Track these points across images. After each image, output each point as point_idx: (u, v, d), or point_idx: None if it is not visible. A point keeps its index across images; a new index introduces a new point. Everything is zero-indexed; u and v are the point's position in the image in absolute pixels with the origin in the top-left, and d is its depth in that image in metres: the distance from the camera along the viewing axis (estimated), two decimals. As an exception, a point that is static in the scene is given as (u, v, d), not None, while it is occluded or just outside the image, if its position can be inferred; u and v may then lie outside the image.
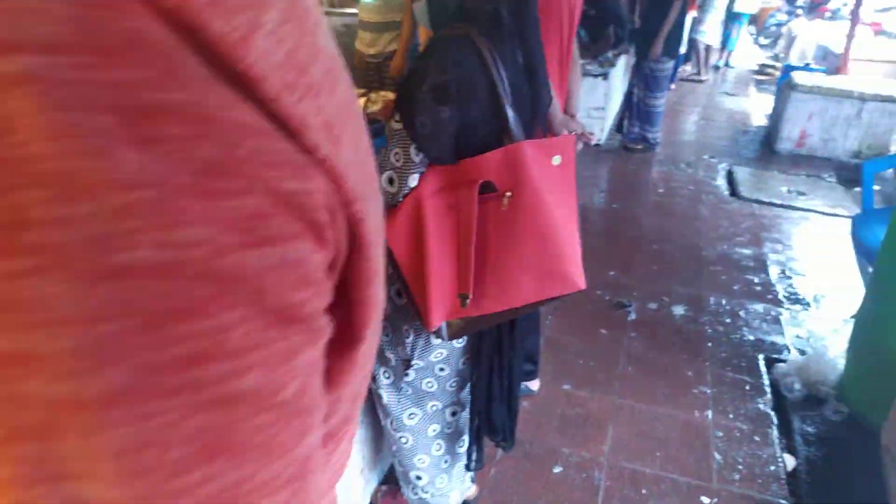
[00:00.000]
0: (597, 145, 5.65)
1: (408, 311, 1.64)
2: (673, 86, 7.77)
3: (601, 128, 5.68)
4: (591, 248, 3.73)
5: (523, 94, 1.48)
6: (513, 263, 1.43)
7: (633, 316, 3.04)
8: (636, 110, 5.64)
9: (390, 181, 1.47)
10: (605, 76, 5.50)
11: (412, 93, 1.37)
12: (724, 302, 3.19)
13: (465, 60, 1.38)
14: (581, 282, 1.45)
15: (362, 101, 3.45)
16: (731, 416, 2.39)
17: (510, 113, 1.40)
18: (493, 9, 1.42)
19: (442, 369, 1.74)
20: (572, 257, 1.44)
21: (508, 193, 1.39)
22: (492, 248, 1.44)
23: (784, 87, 5.97)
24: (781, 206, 4.47)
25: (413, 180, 1.44)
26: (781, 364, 2.63)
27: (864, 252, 2.90)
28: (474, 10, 1.43)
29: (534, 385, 2.52)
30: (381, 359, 1.78)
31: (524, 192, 1.38)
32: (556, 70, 2.16)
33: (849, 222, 3.10)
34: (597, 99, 5.56)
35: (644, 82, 5.49)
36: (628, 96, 5.73)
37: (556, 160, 1.44)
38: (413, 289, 1.51)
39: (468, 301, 1.44)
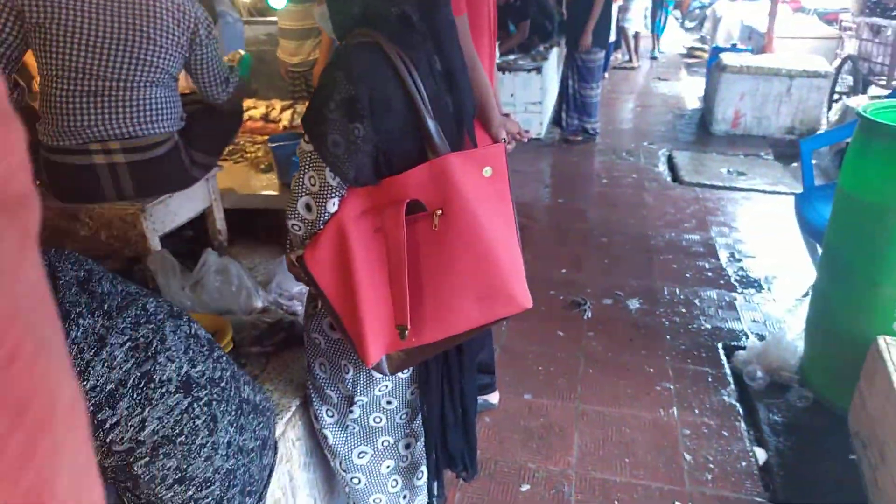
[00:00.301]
0: (537, 139, 5.59)
1: (344, 344, 1.49)
2: (606, 75, 7.80)
3: (540, 122, 5.64)
4: (540, 246, 3.64)
5: (445, 103, 1.36)
6: (451, 287, 1.30)
7: (588, 314, 2.95)
8: (573, 102, 5.61)
9: (307, 207, 1.33)
10: (538, 70, 5.45)
11: (320, 110, 1.23)
12: (677, 291, 3.13)
13: (375, 70, 1.25)
14: (526, 300, 1.34)
15: (288, 113, 3.27)
16: (696, 411, 2.32)
17: (431, 124, 1.28)
18: (399, 12, 1.28)
19: (389, 402, 1.60)
20: (514, 274, 1.32)
21: (438, 211, 1.27)
22: (427, 273, 1.31)
23: (714, 69, 6.03)
24: (723, 187, 4.48)
25: (332, 205, 1.31)
26: (741, 351, 2.57)
27: (809, 230, 2.88)
28: (379, 13, 1.29)
29: (493, 398, 2.39)
30: (322, 397, 1.63)
31: (455, 208, 1.26)
32: (488, 68, 2.03)
33: (790, 199, 3.09)
34: (533, 93, 5.52)
35: (578, 74, 5.47)
36: (564, 89, 5.70)
37: (487, 171, 1.32)
38: (346, 322, 1.37)
39: (407, 332, 1.30)
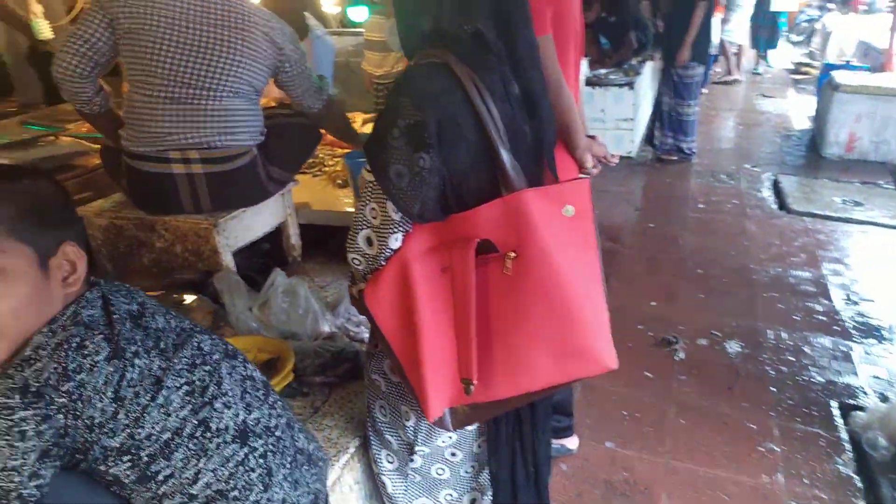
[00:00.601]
0: (628, 158, 5.31)
1: (405, 389, 1.35)
2: (705, 90, 7.38)
3: (631, 140, 5.37)
4: (627, 275, 3.40)
5: (522, 131, 1.21)
6: (523, 339, 1.15)
7: (681, 355, 2.69)
8: (668, 119, 5.31)
9: (368, 241, 1.21)
10: (630, 85, 5.21)
11: (383, 138, 1.11)
12: (784, 336, 2.81)
13: (444, 94, 1.12)
14: (611, 360, 1.16)
15: (369, 126, 3.19)
16: (806, 481, 2.02)
17: (505, 156, 1.14)
18: (473, 30, 1.15)
19: (453, 454, 1.46)
20: (597, 329, 1.15)
21: (512, 254, 1.12)
22: (497, 322, 1.17)
23: (826, 88, 5.57)
24: (837, 219, 4.07)
25: (395, 241, 1.18)
26: (860, 413, 2.25)
27: (945, 274, 2.51)
28: (450, 31, 1.16)
29: (571, 443, 2.19)
30: (382, 441, 1.50)
31: (530, 251, 1.11)
32: (573, 87, 1.86)
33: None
34: (624, 110, 5.27)
35: (674, 89, 5.17)
36: (657, 105, 5.41)
37: (568, 210, 1.16)
38: (407, 369, 1.24)
39: (473, 387, 1.15)
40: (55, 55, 1.97)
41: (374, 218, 1.19)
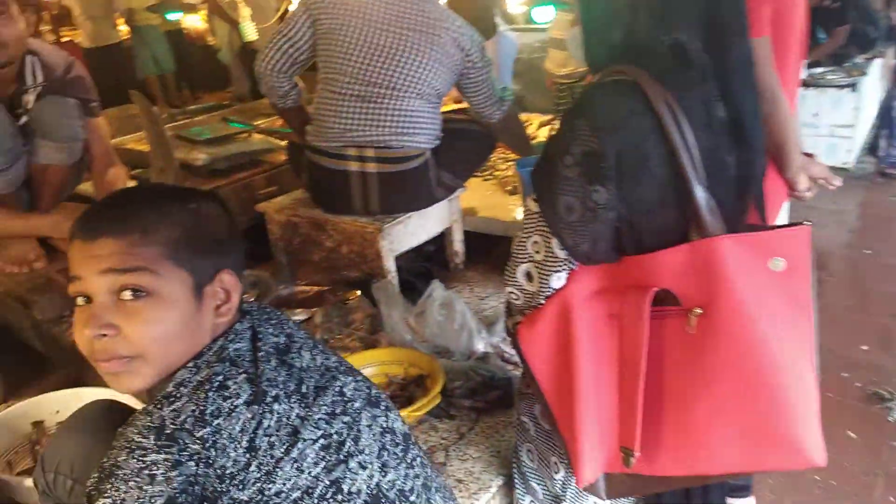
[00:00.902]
0: (843, 170, 4.65)
1: (556, 439, 1.21)
2: (949, 93, 6.27)
3: (848, 149, 4.71)
4: (834, 310, 2.96)
5: (724, 164, 1.02)
6: (704, 413, 0.97)
7: (896, 416, 2.25)
8: (898, 128, 4.56)
9: (528, 276, 1.09)
10: (853, 87, 4.58)
11: (553, 164, 0.98)
12: None
13: (630, 120, 0.96)
14: (818, 455, 0.94)
15: (545, 130, 3.06)
16: None
17: (700, 193, 0.95)
18: (674, 42, 0.98)
19: (606, 517, 1.28)
20: (803, 415, 0.94)
21: (697, 310, 0.94)
22: (671, 387, 1.00)
23: None
24: None
25: (558, 280, 1.05)
26: None
27: None
28: (646, 43, 1.00)
29: (747, 505, 1.91)
30: (526, 486, 1.40)
31: (722, 309, 0.93)
32: (792, 95, 1.58)
33: None
34: (843, 115, 4.63)
35: (909, 92, 4.41)
36: (886, 110, 4.69)
37: (777, 264, 0.95)
38: (559, 420, 1.12)
39: (634, 459, 1.00)
40: (259, 51, 2.11)
41: (537, 252, 1.07)
